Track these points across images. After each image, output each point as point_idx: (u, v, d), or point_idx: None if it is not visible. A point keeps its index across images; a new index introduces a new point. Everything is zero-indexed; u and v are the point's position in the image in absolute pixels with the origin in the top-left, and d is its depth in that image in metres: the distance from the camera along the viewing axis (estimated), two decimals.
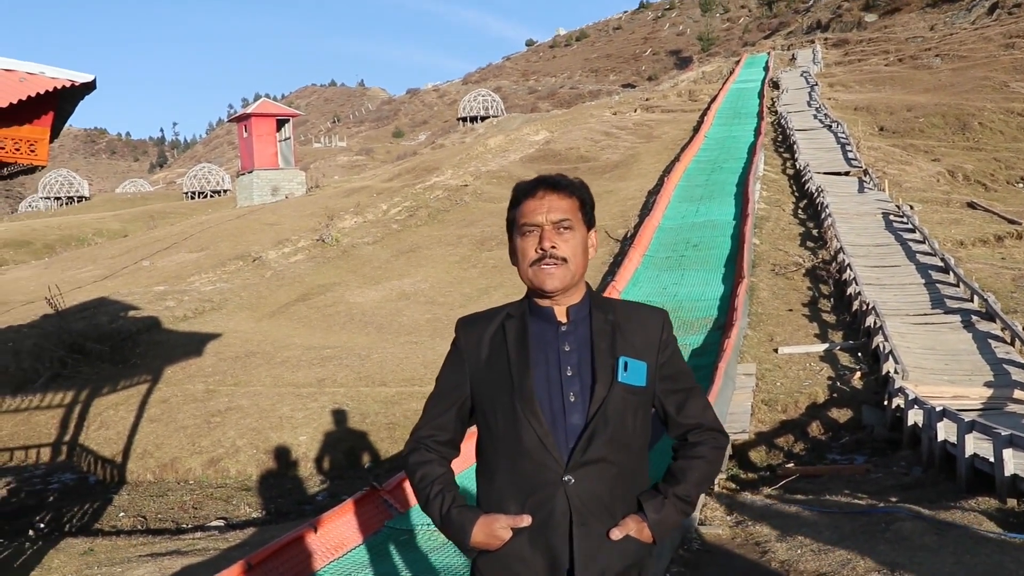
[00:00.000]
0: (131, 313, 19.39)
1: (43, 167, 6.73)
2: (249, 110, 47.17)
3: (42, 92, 6.35)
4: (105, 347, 17.06)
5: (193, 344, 16.98)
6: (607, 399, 2.32)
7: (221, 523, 9.70)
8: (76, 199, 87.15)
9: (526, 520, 2.29)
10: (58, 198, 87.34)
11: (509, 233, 2.49)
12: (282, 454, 12.23)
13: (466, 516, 2.35)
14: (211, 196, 74.01)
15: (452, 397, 2.49)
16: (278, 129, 46.09)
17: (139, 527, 10.14)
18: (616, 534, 2.29)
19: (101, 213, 58.00)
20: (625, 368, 2.35)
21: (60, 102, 6.62)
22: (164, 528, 9.94)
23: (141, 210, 56.68)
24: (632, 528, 2.31)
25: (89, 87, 6.66)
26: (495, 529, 2.31)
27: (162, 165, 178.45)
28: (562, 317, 2.42)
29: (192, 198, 73.54)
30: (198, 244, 29.47)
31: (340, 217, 29.89)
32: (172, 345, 17.25)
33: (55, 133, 6.77)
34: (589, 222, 2.47)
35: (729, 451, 10.34)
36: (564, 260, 2.36)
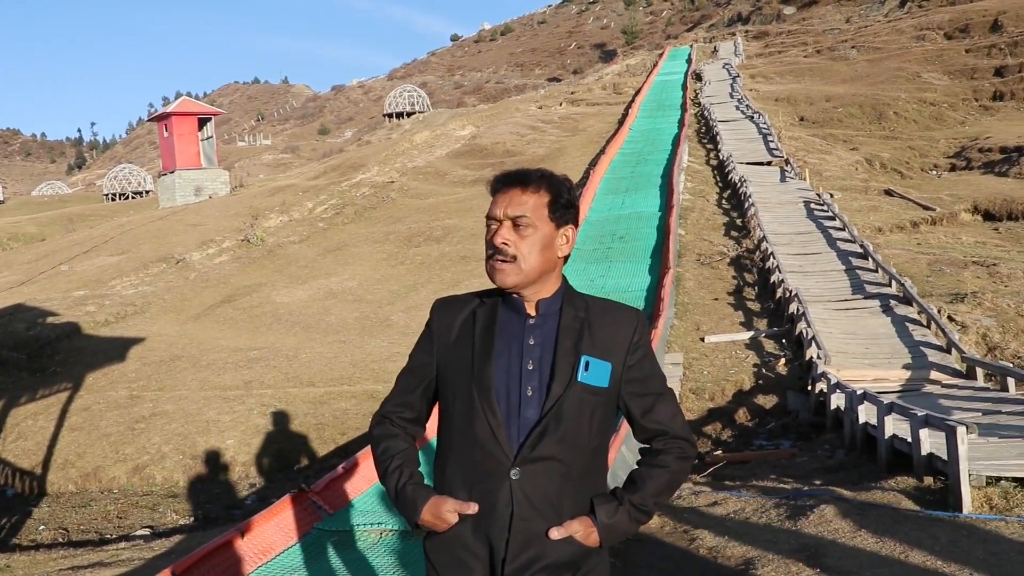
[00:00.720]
0: (50, 319, 18.83)
1: None
2: (169, 109, 46.14)
3: None
4: (22, 355, 16.55)
5: (115, 349, 16.58)
6: (563, 397, 2.29)
7: (147, 532, 9.48)
8: None
9: (473, 507, 2.30)
10: None
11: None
12: (210, 459, 12.01)
13: (418, 494, 2.37)
14: (133, 197, 72.24)
15: (419, 376, 2.50)
16: (200, 128, 45.18)
17: (60, 540, 9.85)
18: (554, 534, 2.27)
19: (16, 217, 56.18)
20: (586, 368, 2.33)
21: None
22: (87, 540, 9.67)
23: (59, 213, 55.07)
24: (578, 530, 2.29)
25: None
26: (442, 511, 2.32)
27: (80, 166, 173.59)
28: (531, 310, 2.39)
29: (113, 200, 71.70)
30: (119, 247, 28.75)
31: (265, 216, 29.46)
32: (93, 351, 16.81)
33: None
34: (560, 219, 2.39)
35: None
36: (514, 257, 2.33)
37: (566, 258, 2.45)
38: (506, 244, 2.34)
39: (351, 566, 6.48)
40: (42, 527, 10.42)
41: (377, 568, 6.35)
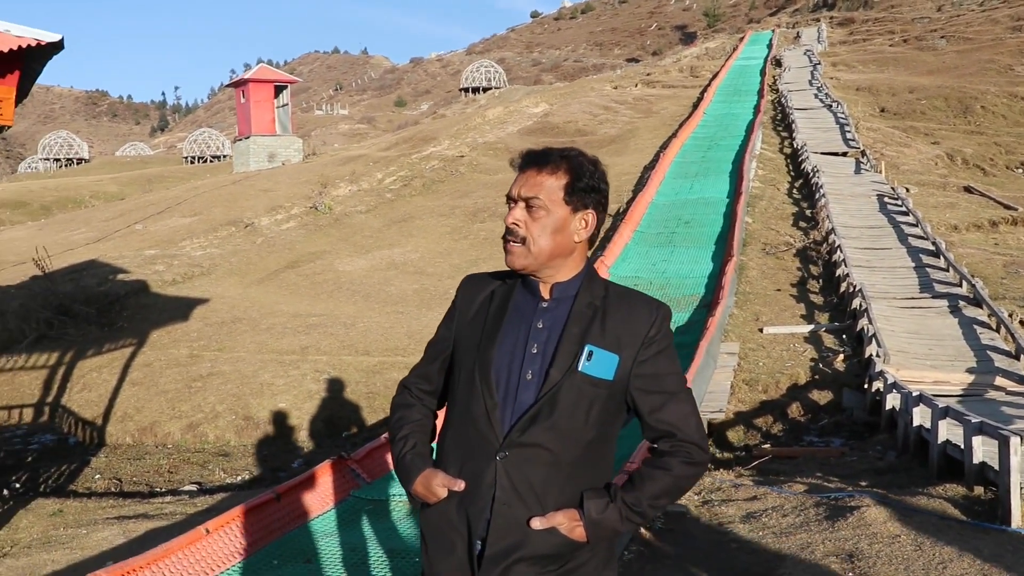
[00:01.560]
0: (120, 276, 19.34)
1: (8, 127, 6.66)
2: (247, 75, 46.85)
3: (7, 51, 6.27)
4: (92, 310, 17.03)
5: (180, 309, 16.96)
6: (560, 385, 2.23)
7: (194, 488, 9.71)
8: (75, 161, 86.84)
9: (460, 484, 2.29)
10: (57, 159, 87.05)
11: None
12: (261, 421, 12.24)
13: (415, 464, 2.39)
14: (211, 161, 73.73)
15: (439, 349, 2.50)
16: (276, 95, 45.80)
17: (113, 489, 10.15)
18: (536, 524, 2.22)
19: (99, 176, 57.80)
20: (589, 357, 2.25)
21: (27, 61, 6.54)
22: (137, 491, 9.94)
23: (139, 173, 56.50)
24: (561, 522, 2.22)
25: (56, 47, 6.58)
26: (432, 485, 2.33)
27: (163, 129, 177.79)
28: (545, 294, 2.34)
29: (192, 163, 73.29)
30: (192, 209, 29.37)
31: (334, 185, 29.77)
32: (159, 309, 17.22)
33: (22, 93, 6.69)
34: (578, 203, 2.31)
35: (705, 429, 10.34)
36: (523, 240, 2.28)
37: (591, 242, 2.38)
38: (516, 225, 2.29)
39: (382, 535, 6.53)
40: (98, 476, 10.74)
41: (408, 538, 6.39)
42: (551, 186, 2.30)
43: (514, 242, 2.29)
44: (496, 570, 2.23)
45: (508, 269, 2.42)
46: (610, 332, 2.28)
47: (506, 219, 2.32)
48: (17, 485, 10.50)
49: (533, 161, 2.34)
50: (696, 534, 6.37)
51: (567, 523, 2.22)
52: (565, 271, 2.33)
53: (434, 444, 2.53)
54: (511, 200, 2.33)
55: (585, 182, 2.33)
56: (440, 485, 2.31)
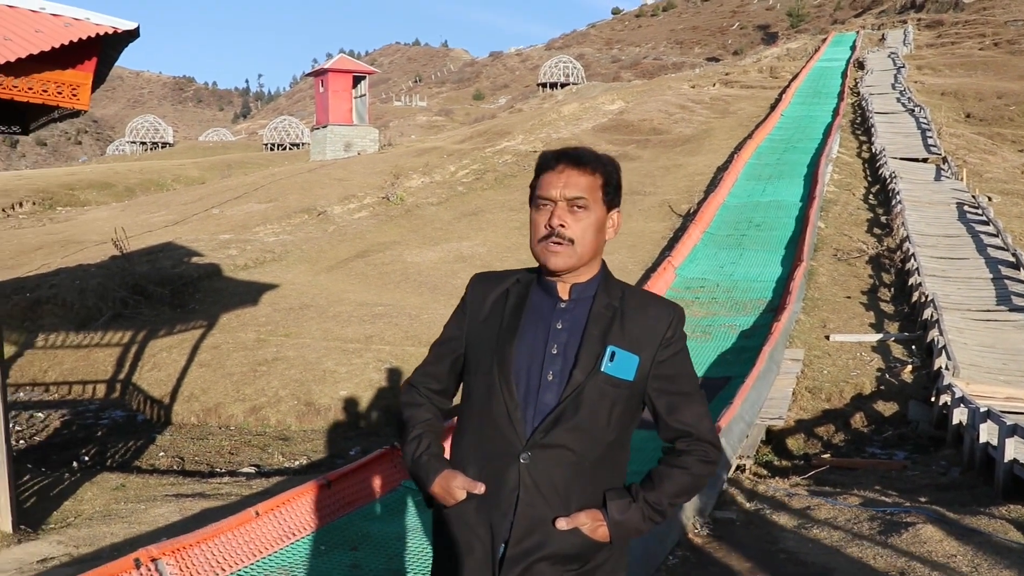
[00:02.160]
0: (194, 259, 19.81)
1: (84, 112, 6.86)
2: (326, 65, 47.55)
3: (86, 37, 6.45)
4: (166, 291, 17.48)
5: (250, 293, 17.30)
6: (583, 385, 2.25)
7: (252, 470, 9.91)
8: (160, 145, 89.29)
9: (480, 487, 2.27)
10: (144, 143, 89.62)
11: (530, 202, 2.40)
12: (322, 407, 12.42)
13: (432, 465, 2.35)
14: (290, 148, 75.04)
15: (448, 348, 2.48)
16: (354, 86, 46.38)
17: (175, 467, 10.42)
18: (562, 524, 2.23)
19: (182, 160, 59.27)
20: (611, 358, 2.27)
21: (104, 49, 6.72)
22: (197, 471, 10.18)
23: (220, 159, 57.74)
24: (585, 523, 2.24)
25: (132, 35, 6.75)
26: (451, 487, 2.30)
27: (245, 116, 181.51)
28: (564, 294, 2.35)
29: (271, 150, 74.68)
30: (268, 195, 29.91)
31: (407, 176, 30.03)
32: (230, 293, 17.59)
33: (98, 79, 6.89)
34: (611, 202, 2.36)
35: (763, 436, 10.18)
36: (571, 241, 2.28)
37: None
38: (563, 226, 2.28)
39: (428, 527, 6.58)
40: (161, 454, 11.04)
41: None
42: (591, 185, 2.31)
43: (559, 243, 2.28)
44: (517, 569, 2.23)
45: (518, 268, 2.46)
46: (629, 333, 2.30)
47: (550, 221, 2.29)
48: (86, 458, 10.85)
49: (571, 160, 2.33)
50: (745, 542, 6.28)
51: (590, 523, 2.24)
52: (586, 272, 2.35)
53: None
54: (547, 201, 2.30)
55: (615, 181, 2.37)
56: (460, 487, 2.29)
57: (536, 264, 2.38)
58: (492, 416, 2.29)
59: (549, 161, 2.36)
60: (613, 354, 2.27)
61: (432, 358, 2.52)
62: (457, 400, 2.54)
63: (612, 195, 2.36)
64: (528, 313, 2.35)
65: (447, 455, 2.43)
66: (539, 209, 2.33)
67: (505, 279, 2.44)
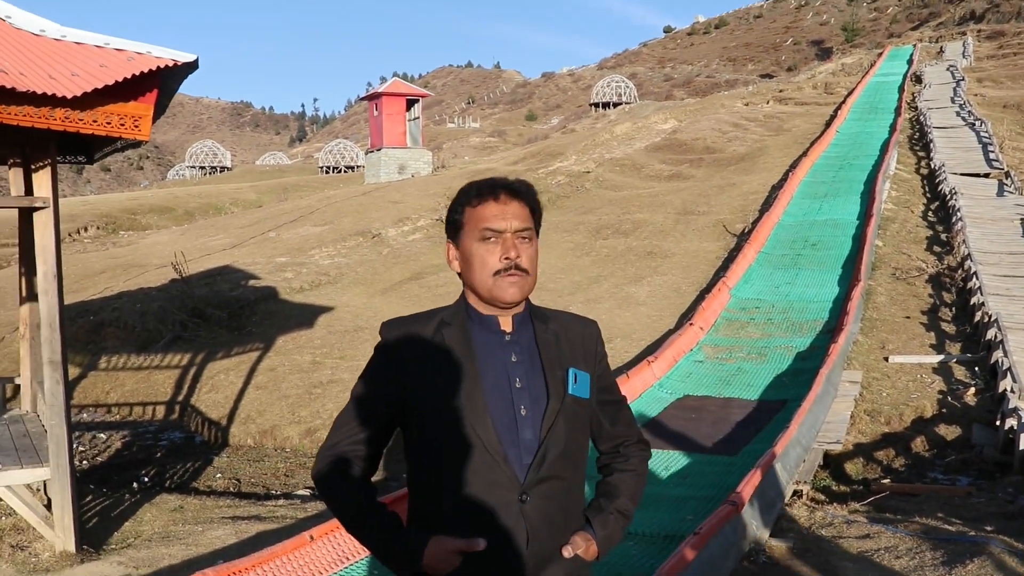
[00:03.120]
0: (251, 282, 20.14)
1: (145, 141, 7.04)
2: (380, 89, 48.16)
3: (147, 71, 6.64)
4: (223, 313, 17.79)
5: (306, 316, 17.52)
6: (559, 413, 2.24)
7: (307, 493, 9.99)
8: (219, 169, 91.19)
9: (480, 544, 2.14)
10: (203, 167, 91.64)
11: (455, 233, 2.33)
12: None
13: (413, 540, 2.17)
14: (345, 171, 76.05)
15: (377, 407, 2.29)
16: (407, 109, 46.90)
17: (232, 489, 10.56)
18: (568, 552, 2.24)
19: (240, 183, 60.37)
20: (575, 380, 2.30)
21: (164, 81, 6.91)
22: (254, 492, 10.31)
23: (276, 182, 58.70)
24: (580, 546, 2.26)
25: (192, 66, 6.93)
26: (446, 553, 2.14)
27: (301, 139, 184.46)
28: (507, 326, 2.31)
29: (327, 173, 75.78)
30: (323, 218, 30.31)
31: None
32: (286, 315, 17.84)
33: (159, 110, 7.07)
34: (538, 231, 2.38)
35: (821, 461, 10.01)
36: (525, 271, 2.28)
37: None
38: (520, 258, 2.26)
39: None
40: (219, 475, 11.19)
41: None
42: (530, 216, 2.33)
43: (519, 275, 2.25)
44: None
45: (427, 311, 2.38)
46: (575, 353, 2.35)
47: (506, 253, 2.24)
48: (146, 479, 11.05)
49: (514, 192, 2.32)
50: (801, 572, 6.17)
51: (584, 544, 2.27)
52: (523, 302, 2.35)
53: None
54: (496, 233, 2.26)
55: (539, 212, 2.39)
56: (455, 551, 2.14)
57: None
58: (474, 467, 2.17)
59: (487, 191, 2.30)
60: (576, 376, 2.30)
61: (358, 421, 2.29)
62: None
63: (539, 224, 2.38)
64: (479, 352, 2.25)
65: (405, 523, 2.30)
66: (485, 242, 2.26)
67: (426, 322, 2.31)
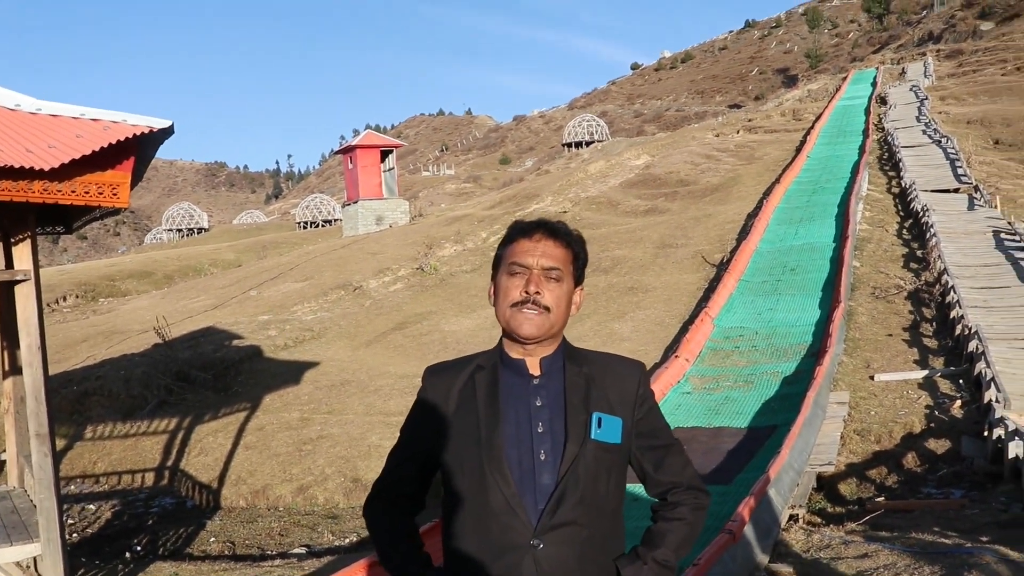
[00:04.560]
0: (235, 342, 20.07)
1: (125, 208, 7.07)
2: (354, 142, 48.45)
3: (124, 139, 6.69)
4: (209, 375, 17.71)
5: (291, 372, 17.47)
6: (578, 457, 2.23)
7: (302, 551, 9.92)
8: (196, 230, 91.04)
9: None
10: (180, 230, 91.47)
11: (495, 269, 2.42)
12: (368, 483, 12.39)
13: None
14: (323, 225, 76.13)
15: (414, 449, 2.41)
16: (382, 160, 47.16)
17: (226, 552, 10.46)
18: None
19: (218, 244, 60.29)
20: (599, 424, 2.27)
21: (141, 147, 6.96)
22: (248, 554, 10.22)
23: (254, 240, 58.67)
24: None
25: (167, 132, 6.99)
26: None
27: (277, 196, 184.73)
28: (534, 370, 2.33)
29: (304, 228, 75.82)
30: (303, 274, 30.32)
31: (440, 245, 30.35)
32: (272, 373, 17.78)
33: (136, 176, 7.12)
34: (579, 277, 2.41)
35: (814, 483, 10.03)
36: (547, 309, 2.29)
37: None
38: (539, 293, 2.29)
39: None
40: (212, 539, 11.09)
41: None
42: (565, 258, 2.36)
43: (537, 311, 2.29)
44: None
45: (470, 354, 2.44)
46: (605, 397, 2.32)
47: (527, 287, 2.30)
48: (139, 548, 10.93)
49: (549, 231, 2.37)
50: None
51: None
52: (552, 344, 2.36)
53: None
54: (523, 268, 2.32)
55: (583, 258, 2.44)
56: None
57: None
58: (491, 510, 2.22)
59: (525, 229, 2.39)
60: (600, 420, 2.28)
61: (396, 464, 2.43)
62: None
63: (580, 270, 2.42)
64: (504, 395, 2.30)
65: (437, 562, 2.36)
66: (512, 276, 2.33)
67: (464, 367, 2.39)
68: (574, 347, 2.43)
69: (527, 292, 2.29)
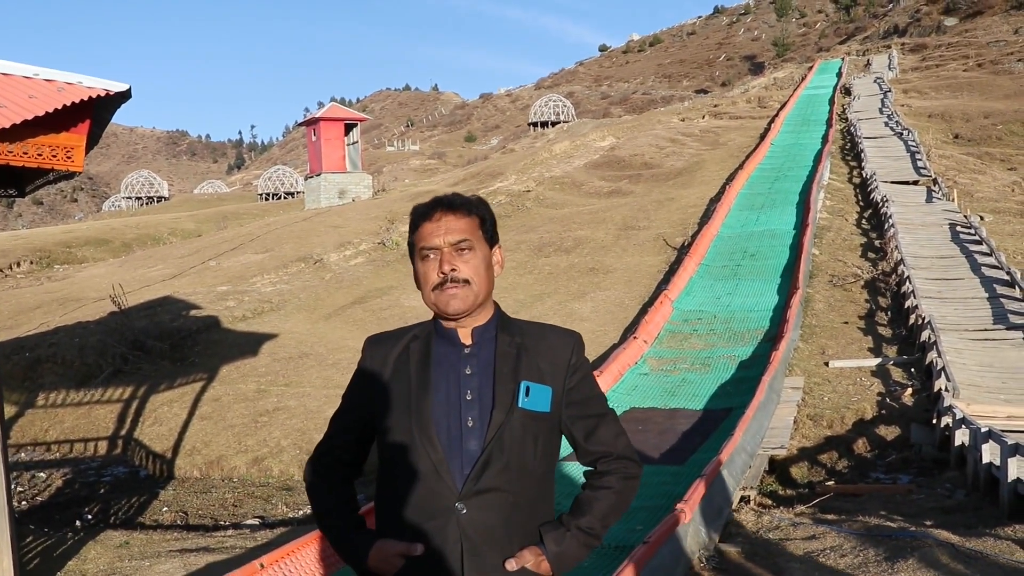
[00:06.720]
0: (193, 312, 19.85)
1: (79, 173, 6.94)
2: (318, 114, 47.97)
3: (79, 101, 6.55)
4: (165, 345, 17.51)
5: (249, 344, 17.32)
6: (504, 425, 2.26)
7: (256, 522, 9.89)
8: (156, 199, 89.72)
9: (418, 548, 2.25)
10: (139, 198, 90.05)
11: (411, 258, 2.43)
12: None
13: (361, 540, 2.33)
14: (284, 198, 75.38)
15: (354, 417, 2.45)
16: (346, 133, 46.75)
17: (179, 522, 10.39)
18: (511, 565, 2.24)
19: (178, 213, 59.51)
20: (527, 393, 2.30)
21: (97, 111, 6.82)
22: (202, 524, 10.16)
23: (215, 211, 57.94)
24: (529, 560, 2.26)
25: (125, 96, 6.86)
26: (388, 556, 2.27)
27: (239, 167, 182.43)
28: (466, 339, 2.37)
29: (266, 199, 75.04)
30: (264, 245, 30.03)
31: (402, 221, 30.17)
32: (229, 344, 17.62)
33: (92, 140, 6.98)
34: (492, 239, 2.42)
35: (767, 466, 10.17)
36: (466, 281, 2.31)
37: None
38: (455, 269, 2.31)
39: None
40: (165, 509, 11.01)
41: None
42: (471, 226, 2.37)
43: (457, 286, 2.31)
44: None
45: (409, 325, 2.47)
46: (537, 366, 2.34)
47: (441, 268, 2.31)
48: (89, 516, 10.82)
49: (447, 207, 2.38)
50: (752, 574, 6.27)
51: (533, 559, 2.27)
52: (484, 314, 2.38)
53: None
54: (433, 250, 2.33)
55: (491, 219, 2.44)
56: (396, 554, 2.26)
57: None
58: (417, 474, 2.26)
59: (424, 212, 2.39)
60: (528, 389, 2.30)
61: (337, 430, 2.48)
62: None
63: (491, 232, 2.42)
64: (435, 365, 2.34)
65: (370, 526, 2.40)
66: (425, 260, 2.35)
67: (401, 337, 2.43)
68: (509, 317, 2.45)
69: (443, 272, 2.32)
